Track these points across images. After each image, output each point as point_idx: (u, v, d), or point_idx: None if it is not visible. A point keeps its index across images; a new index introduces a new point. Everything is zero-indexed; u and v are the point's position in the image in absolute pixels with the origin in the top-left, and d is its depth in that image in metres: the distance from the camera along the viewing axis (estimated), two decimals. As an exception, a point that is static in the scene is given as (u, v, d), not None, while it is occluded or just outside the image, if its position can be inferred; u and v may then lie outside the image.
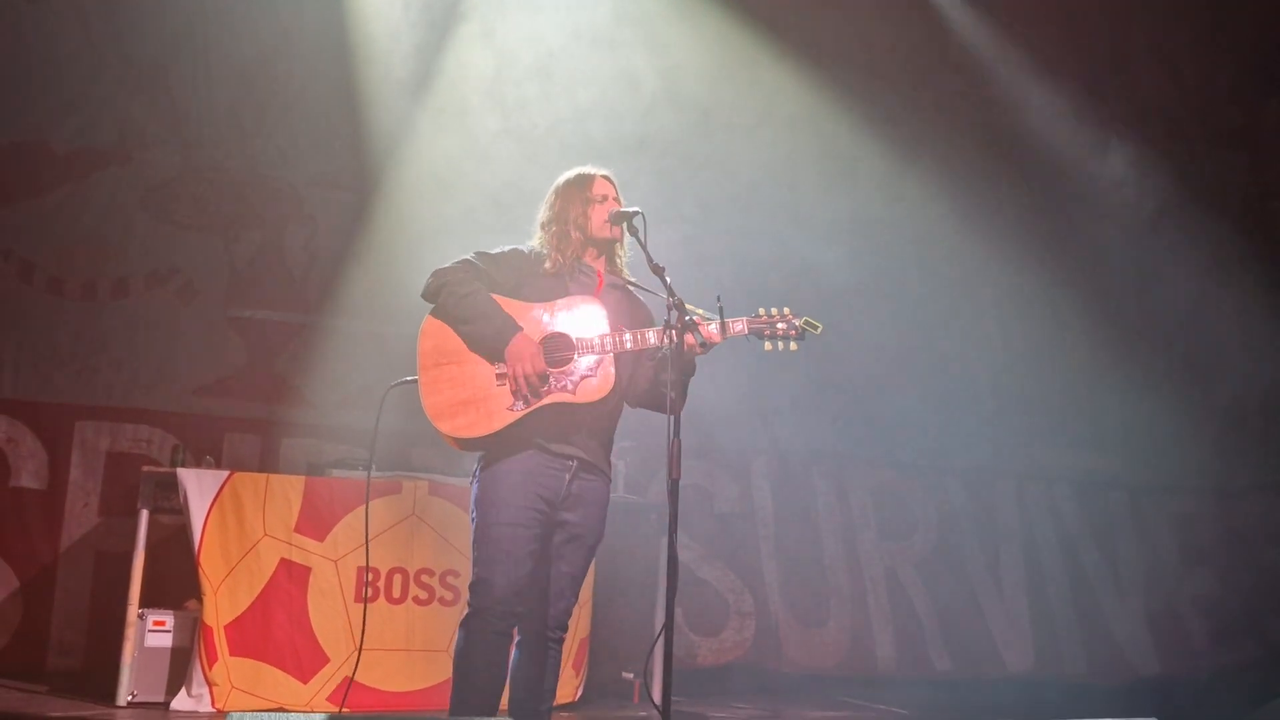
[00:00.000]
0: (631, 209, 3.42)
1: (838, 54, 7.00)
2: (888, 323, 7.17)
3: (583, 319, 3.38)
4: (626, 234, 3.47)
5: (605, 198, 3.53)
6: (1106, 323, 7.54)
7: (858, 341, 6.87)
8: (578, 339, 3.36)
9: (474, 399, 3.32)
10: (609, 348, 3.35)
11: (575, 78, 6.33)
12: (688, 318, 3.23)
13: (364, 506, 4.68)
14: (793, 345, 3.37)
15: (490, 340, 3.34)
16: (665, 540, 3.23)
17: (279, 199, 6.39)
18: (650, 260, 3.31)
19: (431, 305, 3.42)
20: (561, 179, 3.59)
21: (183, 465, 4.99)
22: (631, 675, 5.60)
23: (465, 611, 3.32)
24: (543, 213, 3.57)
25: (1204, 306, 8.05)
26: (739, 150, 6.79)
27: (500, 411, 3.30)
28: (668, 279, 3.27)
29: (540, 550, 3.35)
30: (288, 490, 4.92)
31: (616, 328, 3.39)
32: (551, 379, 3.32)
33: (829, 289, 6.30)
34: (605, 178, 3.57)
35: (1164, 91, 8.24)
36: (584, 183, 3.55)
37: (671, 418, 3.11)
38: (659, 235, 3.44)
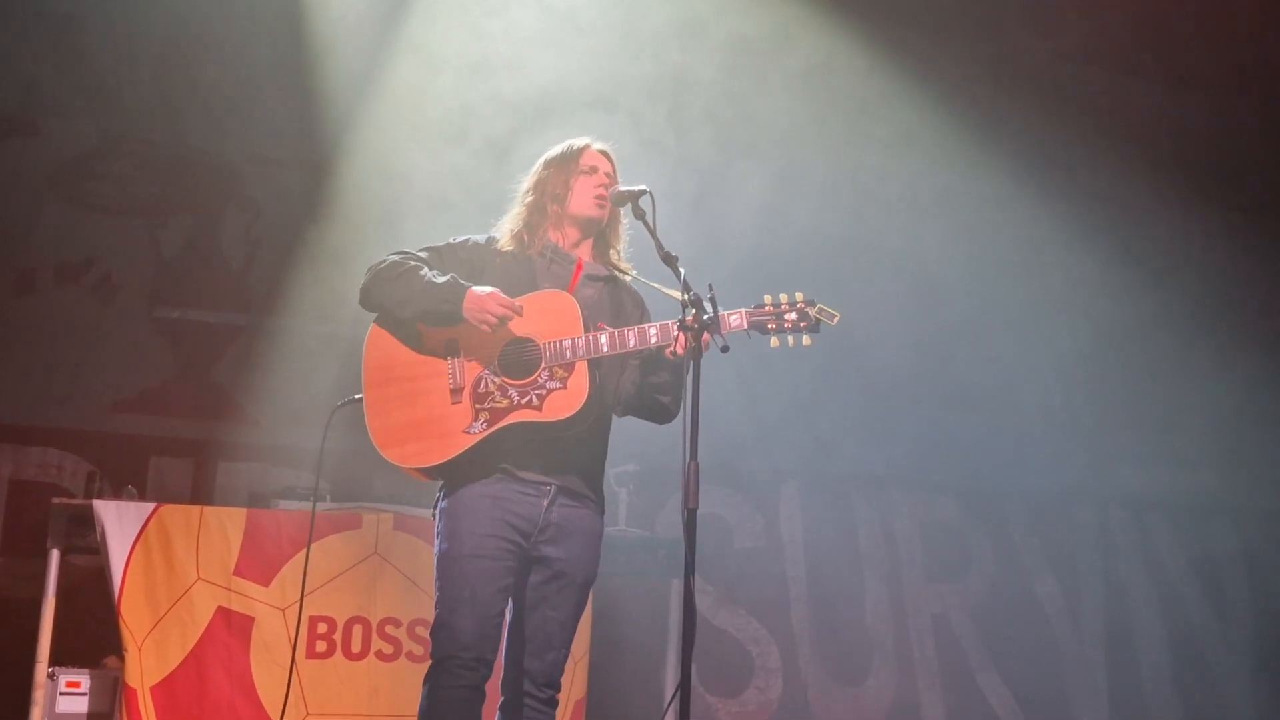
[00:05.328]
0: (637, 187, 3.43)
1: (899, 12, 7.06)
2: (935, 321, 7.15)
3: (552, 319, 3.37)
4: (630, 218, 3.50)
5: (595, 169, 3.57)
6: (1206, 318, 7.54)
7: (902, 343, 6.89)
8: (545, 344, 3.36)
9: (427, 420, 3.36)
10: (581, 352, 3.33)
11: (567, 34, 6.31)
12: (705, 315, 3.18)
13: (316, 544, 4.71)
14: (805, 339, 3.33)
15: (440, 306, 3.33)
16: (677, 583, 3.23)
17: (214, 178, 6.40)
18: (660, 248, 3.30)
19: (374, 315, 3.46)
20: (553, 149, 3.66)
21: (100, 496, 5.11)
22: (636, 743, 5.66)
23: (429, 665, 3.33)
24: (524, 183, 3.65)
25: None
26: (773, 110, 6.80)
27: (456, 434, 3.34)
28: (682, 270, 3.24)
29: (515, 590, 3.38)
30: (225, 525, 4.96)
31: (594, 327, 3.38)
32: (515, 393, 3.34)
33: (871, 280, 6.39)
34: (602, 151, 3.63)
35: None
36: (573, 152, 3.61)
37: (688, 437, 3.07)
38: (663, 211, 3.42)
